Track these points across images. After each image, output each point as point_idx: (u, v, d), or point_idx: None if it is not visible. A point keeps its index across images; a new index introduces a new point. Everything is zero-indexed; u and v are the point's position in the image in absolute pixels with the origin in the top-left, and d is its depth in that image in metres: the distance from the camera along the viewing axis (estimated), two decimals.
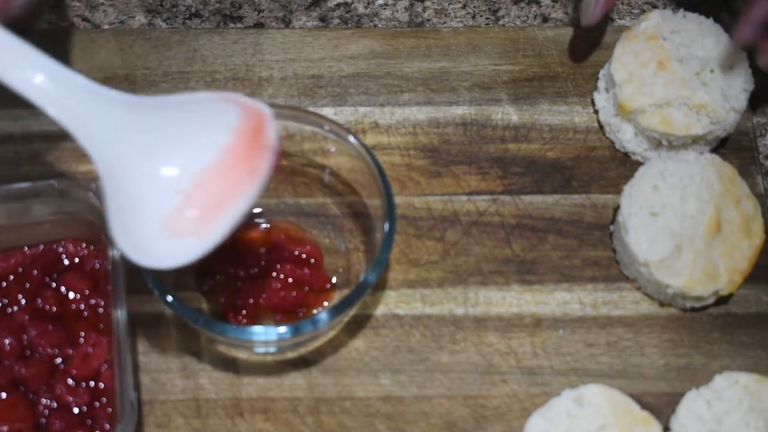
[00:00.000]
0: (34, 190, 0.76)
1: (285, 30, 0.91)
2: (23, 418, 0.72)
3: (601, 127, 0.88)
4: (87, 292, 0.76)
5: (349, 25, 0.92)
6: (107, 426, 0.72)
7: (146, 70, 0.88)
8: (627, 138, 0.86)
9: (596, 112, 0.88)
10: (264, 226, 0.81)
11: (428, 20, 0.93)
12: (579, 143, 0.87)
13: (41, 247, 0.78)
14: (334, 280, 0.80)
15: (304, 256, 0.79)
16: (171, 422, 0.76)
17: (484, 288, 0.81)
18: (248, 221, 0.81)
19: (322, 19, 0.92)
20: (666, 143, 0.85)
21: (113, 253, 0.74)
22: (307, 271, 0.78)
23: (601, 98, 0.88)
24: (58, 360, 0.74)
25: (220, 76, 0.88)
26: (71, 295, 0.76)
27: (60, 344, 0.74)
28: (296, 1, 0.93)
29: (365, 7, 0.93)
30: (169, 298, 0.72)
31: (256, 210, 0.82)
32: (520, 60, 0.91)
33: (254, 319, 0.77)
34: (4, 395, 0.72)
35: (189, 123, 0.69)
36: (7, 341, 0.74)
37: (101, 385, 0.73)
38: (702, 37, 0.86)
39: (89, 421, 0.72)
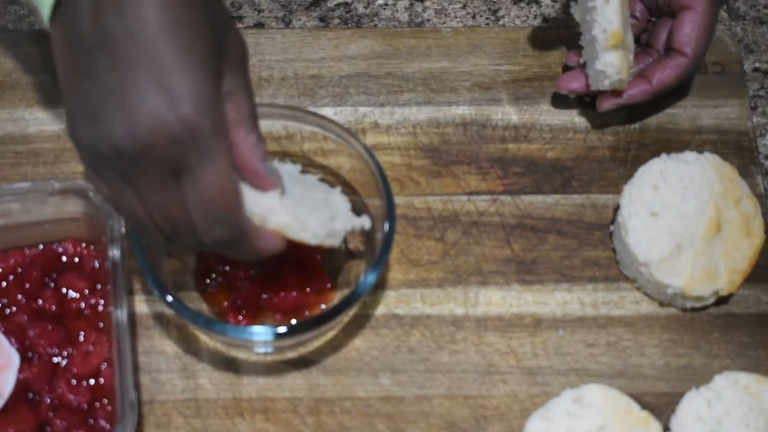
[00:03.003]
0: (34, 190, 0.76)
1: (285, 30, 0.91)
2: (27, 421, 0.72)
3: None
4: (87, 291, 0.76)
5: (349, 25, 0.92)
6: (107, 426, 0.72)
7: None
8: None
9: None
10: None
11: (428, 20, 0.93)
12: (579, 143, 0.87)
13: (41, 247, 0.78)
14: (334, 279, 0.80)
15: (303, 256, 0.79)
16: (171, 422, 0.75)
17: (484, 288, 0.81)
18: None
19: (322, 19, 0.92)
20: None
21: (113, 253, 0.74)
22: (307, 271, 0.78)
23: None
24: (58, 359, 0.74)
25: None
26: (71, 294, 0.76)
27: (59, 344, 0.74)
28: (296, 1, 0.93)
29: (365, 7, 0.93)
30: (169, 298, 0.72)
31: None
32: (520, 60, 0.90)
33: (254, 319, 0.77)
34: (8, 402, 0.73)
35: None
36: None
37: (101, 381, 0.73)
38: None
39: (91, 421, 0.72)
